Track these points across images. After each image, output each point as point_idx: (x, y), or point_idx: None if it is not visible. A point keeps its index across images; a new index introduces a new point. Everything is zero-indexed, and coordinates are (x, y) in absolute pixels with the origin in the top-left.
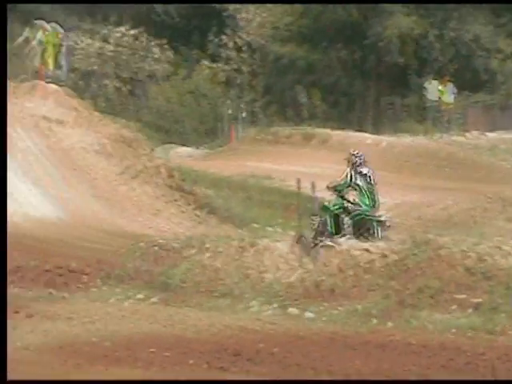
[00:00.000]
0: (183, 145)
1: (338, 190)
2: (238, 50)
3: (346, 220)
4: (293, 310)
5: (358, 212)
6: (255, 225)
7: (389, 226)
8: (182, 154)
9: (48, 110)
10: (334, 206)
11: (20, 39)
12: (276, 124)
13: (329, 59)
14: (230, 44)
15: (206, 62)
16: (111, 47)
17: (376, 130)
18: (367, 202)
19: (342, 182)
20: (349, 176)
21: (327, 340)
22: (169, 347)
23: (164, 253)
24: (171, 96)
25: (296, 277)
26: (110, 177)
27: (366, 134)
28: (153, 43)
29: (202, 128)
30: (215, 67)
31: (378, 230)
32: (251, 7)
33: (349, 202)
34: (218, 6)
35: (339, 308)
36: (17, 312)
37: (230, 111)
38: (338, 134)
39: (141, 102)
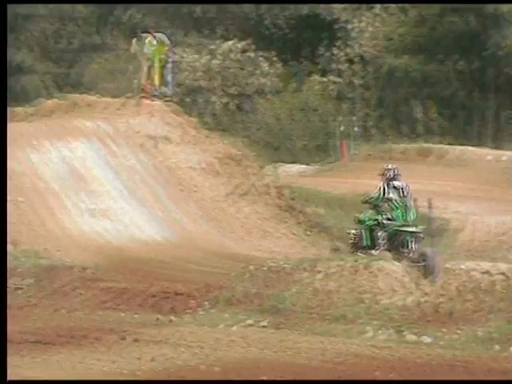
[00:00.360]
0: (293, 162)
1: (371, 203)
2: (350, 62)
3: (380, 234)
4: (409, 335)
5: (391, 226)
6: None
7: (423, 238)
8: (291, 172)
9: (154, 127)
10: (368, 219)
11: (131, 50)
12: (390, 139)
13: (445, 71)
14: (342, 56)
15: (316, 76)
16: (218, 61)
17: (496, 145)
18: (400, 216)
19: (375, 196)
20: (381, 190)
21: (446, 367)
22: (280, 374)
23: (274, 275)
24: (280, 111)
25: (412, 300)
26: (217, 196)
27: (486, 150)
28: (261, 57)
29: (312, 144)
30: (326, 81)
31: (411, 242)
32: (363, 17)
33: (383, 216)
34: (328, 17)
35: (458, 332)
36: (123, 338)
37: (342, 127)
38: (455, 150)
39: (249, 117)
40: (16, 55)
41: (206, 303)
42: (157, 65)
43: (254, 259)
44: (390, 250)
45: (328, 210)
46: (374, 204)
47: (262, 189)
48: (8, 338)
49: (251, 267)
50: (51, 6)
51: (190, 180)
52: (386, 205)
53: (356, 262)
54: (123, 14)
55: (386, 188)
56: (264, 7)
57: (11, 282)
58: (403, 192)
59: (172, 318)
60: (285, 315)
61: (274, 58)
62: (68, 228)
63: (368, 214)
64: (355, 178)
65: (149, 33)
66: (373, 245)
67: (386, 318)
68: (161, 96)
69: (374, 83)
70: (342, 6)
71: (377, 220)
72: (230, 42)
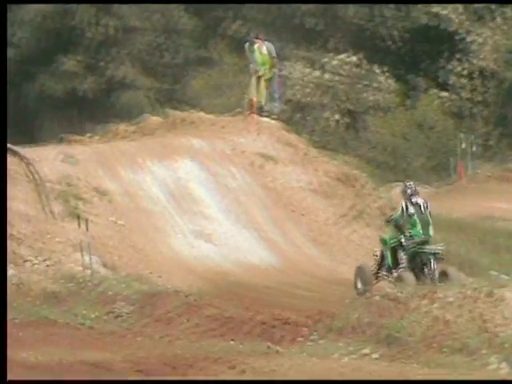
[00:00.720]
0: None
1: (394, 222)
2: (469, 76)
3: (402, 255)
4: None
5: (412, 245)
6: (491, 272)
7: (442, 259)
8: None
9: (262, 146)
10: (390, 239)
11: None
12: (511, 160)
13: None
14: (461, 70)
15: (434, 91)
16: (329, 76)
17: None
18: (420, 231)
19: (398, 214)
20: (403, 206)
21: None
22: None
23: (390, 303)
24: (395, 129)
25: None
26: (328, 219)
27: None
28: (375, 71)
29: (429, 164)
30: (445, 96)
31: (432, 262)
32: (483, 28)
33: (405, 235)
34: (449, 28)
35: None
36: (232, 367)
37: (463, 145)
38: None
39: (361, 135)
40: (118, 70)
41: (317, 332)
42: (265, 77)
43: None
44: (413, 269)
45: (446, 234)
46: (396, 222)
47: (375, 211)
48: (109, 367)
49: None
50: (155, 18)
51: (299, 202)
52: (407, 222)
53: (476, 289)
54: (229, 27)
55: (407, 204)
56: (378, 19)
57: (112, 308)
58: (423, 208)
59: (279, 348)
60: (401, 346)
61: (388, 73)
62: (170, 252)
63: (391, 234)
64: (475, 200)
65: (259, 39)
66: (396, 265)
67: (510, 350)
68: (268, 113)
69: (495, 99)
70: (463, 16)
71: (399, 240)
72: (342, 56)
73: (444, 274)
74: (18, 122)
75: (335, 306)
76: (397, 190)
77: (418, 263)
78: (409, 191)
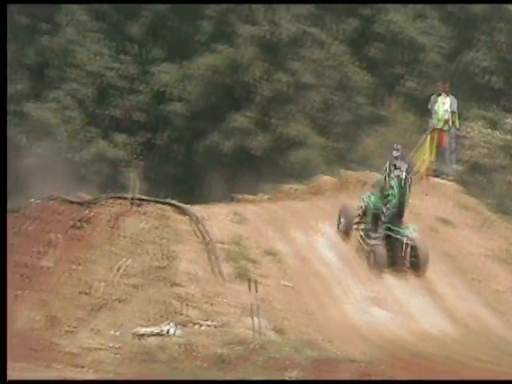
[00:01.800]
0: None
1: (377, 183)
2: None
3: (380, 225)
4: None
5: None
6: None
7: (415, 246)
8: None
9: (438, 209)
10: (374, 202)
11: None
12: None
13: None
14: None
15: None
16: (510, 137)
17: None
18: (395, 196)
19: (381, 175)
20: (387, 167)
21: None
22: None
23: None
24: None
25: None
26: (510, 287)
27: None
28: None
29: None
30: None
31: (404, 247)
32: None
33: (385, 206)
34: None
35: None
36: None
37: None
38: None
39: None
40: (289, 128)
41: None
42: (444, 132)
43: None
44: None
45: None
46: (379, 183)
47: None
48: None
49: None
50: (328, 74)
51: (478, 268)
52: (388, 184)
53: None
54: (404, 85)
55: (390, 167)
56: None
57: (282, 374)
58: (405, 172)
59: None
60: None
61: None
62: (341, 317)
63: (375, 197)
64: None
65: (445, 88)
66: (374, 228)
67: None
68: (444, 174)
69: None
70: None
71: (380, 210)
72: None
73: (412, 249)
74: (186, 180)
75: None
76: None
77: (394, 241)
78: (395, 153)
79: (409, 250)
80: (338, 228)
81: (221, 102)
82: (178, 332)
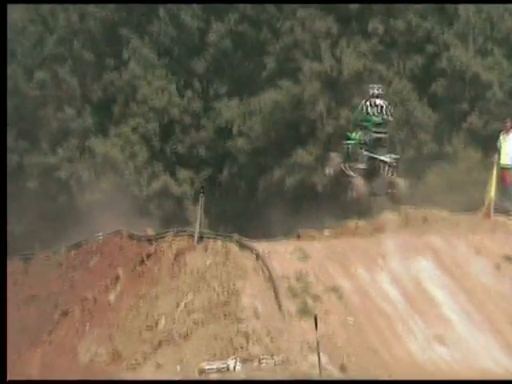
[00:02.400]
0: None
1: (353, 120)
2: None
3: (362, 152)
4: None
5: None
6: None
7: (395, 167)
8: None
9: (503, 246)
10: (354, 137)
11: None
12: None
13: None
14: None
15: None
16: None
17: None
18: (375, 122)
19: (357, 112)
20: (363, 105)
21: None
22: None
23: None
24: None
25: None
26: None
27: None
28: None
29: None
30: None
31: (383, 170)
32: None
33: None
34: None
35: None
36: None
37: None
38: None
39: None
40: None
41: None
42: (509, 170)
43: None
44: (368, 173)
45: None
46: (354, 120)
47: None
48: None
49: None
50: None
51: None
52: (365, 121)
53: None
54: (465, 120)
55: (366, 105)
56: None
57: None
58: (384, 110)
59: None
60: None
61: None
62: (403, 354)
63: (356, 135)
64: None
65: (510, 130)
66: (356, 159)
67: None
68: (505, 210)
69: None
70: None
71: (360, 139)
72: None
73: (392, 183)
74: (249, 215)
75: None
76: None
77: (372, 169)
78: (371, 92)
79: (388, 175)
80: (325, 175)
81: (284, 137)
82: (240, 368)
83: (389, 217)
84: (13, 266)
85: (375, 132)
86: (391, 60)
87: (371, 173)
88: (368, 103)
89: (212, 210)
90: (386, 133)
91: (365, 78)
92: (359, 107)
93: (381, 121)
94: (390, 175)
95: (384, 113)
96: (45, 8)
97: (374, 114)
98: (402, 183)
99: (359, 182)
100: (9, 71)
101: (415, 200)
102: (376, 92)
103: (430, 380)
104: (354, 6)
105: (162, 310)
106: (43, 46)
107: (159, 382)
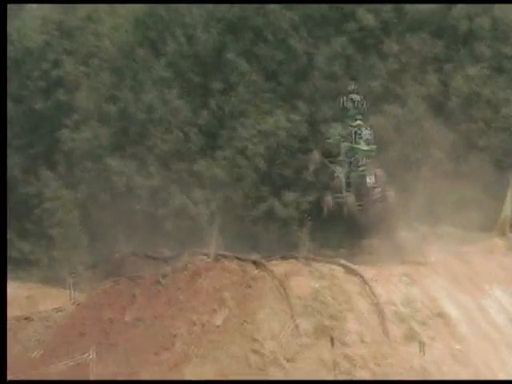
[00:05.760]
0: None
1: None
2: None
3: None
4: None
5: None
6: None
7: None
8: None
9: None
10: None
11: None
12: None
13: None
14: None
15: None
16: None
17: None
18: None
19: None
20: (341, 101)
21: None
22: None
23: None
24: None
25: None
26: None
27: None
28: None
29: None
30: None
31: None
32: None
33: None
34: None
35: None
36: None
37: None
38: None
39: None
40: None
41: None
42: None
43: None
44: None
45: None
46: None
47: None
48: None
49: None
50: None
51: None
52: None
53: None
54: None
55: (344, 99)
56: None
57: None
58: (358, 104)
59: None
60: None
61: None
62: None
63: (338, 129)
64: None
65: None
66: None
67: None
68: None
69: None
70: None
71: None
72: None
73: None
74: (355, 240)
75: None
76: None
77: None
78: (349, 88)
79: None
80: (308, 174)
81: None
82: None
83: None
84: (121, 287)
85: (351, 125)
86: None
87: (359, 190)
88: (344, 98)
89: (317, 233)
90: (361, 125)
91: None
92: (338, 103)
93: (356, 113)
94: (368, 166)
95: (359, 106)
96: (152, 33)
97: (349, 108)
98: (391, 196)
99: (352, 201)
100: (119, 94)
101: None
102: (352, 88)
103: (429, 380)
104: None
105: (268, 333)
106: (151, 69)
107: (159, 381)
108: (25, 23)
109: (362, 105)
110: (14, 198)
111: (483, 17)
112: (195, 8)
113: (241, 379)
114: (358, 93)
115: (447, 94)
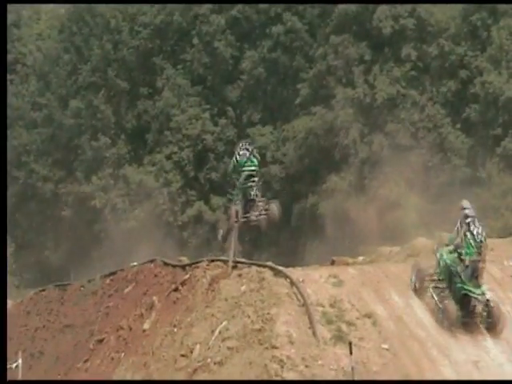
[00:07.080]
0: None
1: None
2: None
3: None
4: None
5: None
6: None
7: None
8: None
9: None
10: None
11: None
12: None
13: None
14: None
15: None
16: None
17: None
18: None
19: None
20: (459, 227)
21: None
22: None
23: None
24: None
25: None
26: None
27: None
28: None
29: None
30: None
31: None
32: None
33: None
34: None
35: None
36: None
37: None
38: None
39: None
40: (386, 189)
41: None
42: None
43: None
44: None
45: None
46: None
47: None
48: None
49: None
50: (424, 135)
51: None
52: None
53: None
54: (499, 145)
55: (462, 225)
56: None
57: None
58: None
59: None
60: None
61: None
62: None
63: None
64: None
65: None
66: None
67: None
68: None
69: None
70: None
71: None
72: None
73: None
74: (284, 242)
75: None
76: None
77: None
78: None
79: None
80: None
81: (317, 164)
82: None
83: (422, 242)
84: (49, 294)
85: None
86: (424, 86)
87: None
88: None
89: (246, 237)
90: (254, 170)
91: (398, 104)
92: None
93: (250, 164)
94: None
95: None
96: (78, 38)
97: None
98: (274, 206)
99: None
100: (44, 101)
101: (447, 225)
102: (470, 212)
103: (429, 380)
104: (386, 32)
105: (197, 338)
106: (78, 75)
107: (159, 382)
108: None
109: (253, 155)
110: None
111: (408, 18)
112: (118, 12)
113: (241, 379)
114: (248, 149)
115: (374, 96)
